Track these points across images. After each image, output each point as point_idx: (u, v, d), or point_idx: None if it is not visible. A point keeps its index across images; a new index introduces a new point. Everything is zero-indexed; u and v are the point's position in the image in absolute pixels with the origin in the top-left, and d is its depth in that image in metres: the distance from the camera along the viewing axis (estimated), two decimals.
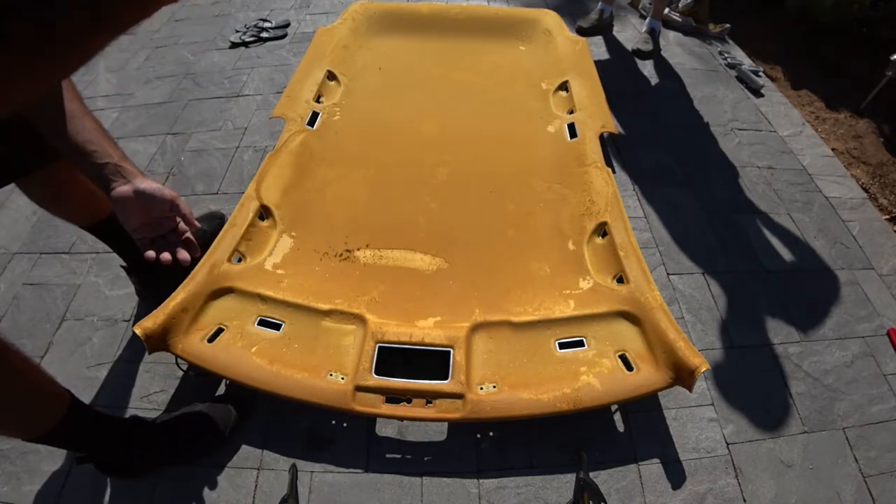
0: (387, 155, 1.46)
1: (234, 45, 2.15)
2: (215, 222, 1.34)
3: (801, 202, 1.54)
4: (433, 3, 2.08)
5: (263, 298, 1.07)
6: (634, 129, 1.75)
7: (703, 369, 0.91)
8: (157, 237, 0.74)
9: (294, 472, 0.94)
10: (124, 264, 1.16)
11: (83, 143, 0.68)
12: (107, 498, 0.94)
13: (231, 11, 2.41)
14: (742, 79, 2.00)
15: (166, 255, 0.73)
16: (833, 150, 1.75)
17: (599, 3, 2.19)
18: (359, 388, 0.94)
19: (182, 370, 1.10)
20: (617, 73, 1.98)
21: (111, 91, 1.95)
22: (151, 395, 1.09)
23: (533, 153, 1.47)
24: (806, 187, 1.59)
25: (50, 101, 0.68)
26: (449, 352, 1.00)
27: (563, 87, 1.66)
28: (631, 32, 2.24)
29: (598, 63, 1.77)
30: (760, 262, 1.37)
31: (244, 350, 0.99)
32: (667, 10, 2.21)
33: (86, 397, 0.84)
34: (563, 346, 1.02)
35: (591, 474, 0.96)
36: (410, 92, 1.69)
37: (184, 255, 0.74)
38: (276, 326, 1.04)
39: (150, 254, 0.72)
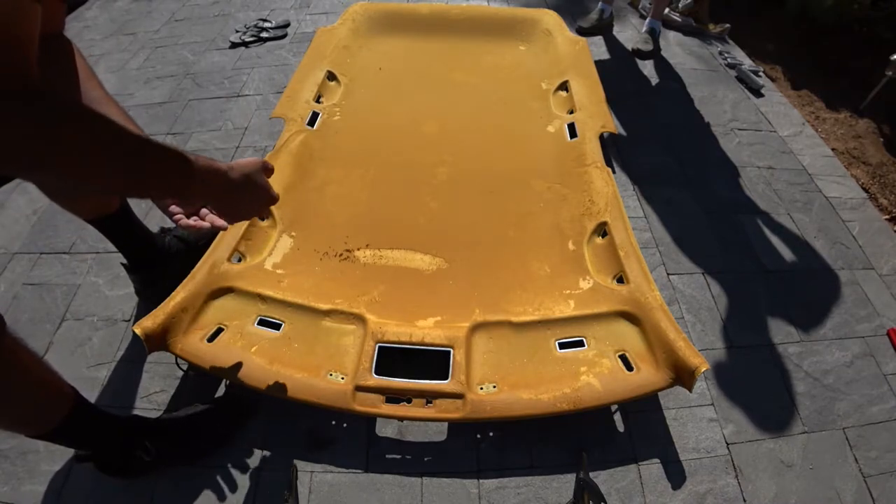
0: (387, 155, 1.46)
1: (234, 45, 2.15)
2: None
3: (801, 202, 1.54)
4: (433, 4, 2.08)
5: (263, 298, 1.07)
6: (634, 129, 1.75)
7: (703, 369, 0.91)
8: (191, 213, 0.77)
9: (294, 472, 0.94)
10: (125, 262, 1.16)
11: None
12: (107, 498, 0.94)
13: (231, 11, 2.41)
14: (742, 79, 2.00)
15: (202, 222, 0.75)
16: (833, 150, 1.75)
17: (599, 3, 2.19)
18: (359, 388, 0.94)
19: (182, 370, 1.10)
20: (617, 73, 1.97)
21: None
22: (151, 395, 1.09)
23: (533, 153, 1.47)
24: (806, 187, 1.59)
25: (73, 88, 0.68)
26: (449, 352, 1.00)
27: (563, 87, 1.66)
28: (631, 32, 2.24)
29: (598, 63, 1.77)
30: (760, 262, 1.37)
31: (244, 350, 1.00)
32: (667, 10, 2.21)
33: (86, 397, 0.84)
34: (563, 346, 1.02)
35: (591, 474, 0.96)
36: (410, 92, 1.69)
37: (220, 222, 0.76)
38: (276, 326, 1.04)
39: (186, 221, 0.74)
